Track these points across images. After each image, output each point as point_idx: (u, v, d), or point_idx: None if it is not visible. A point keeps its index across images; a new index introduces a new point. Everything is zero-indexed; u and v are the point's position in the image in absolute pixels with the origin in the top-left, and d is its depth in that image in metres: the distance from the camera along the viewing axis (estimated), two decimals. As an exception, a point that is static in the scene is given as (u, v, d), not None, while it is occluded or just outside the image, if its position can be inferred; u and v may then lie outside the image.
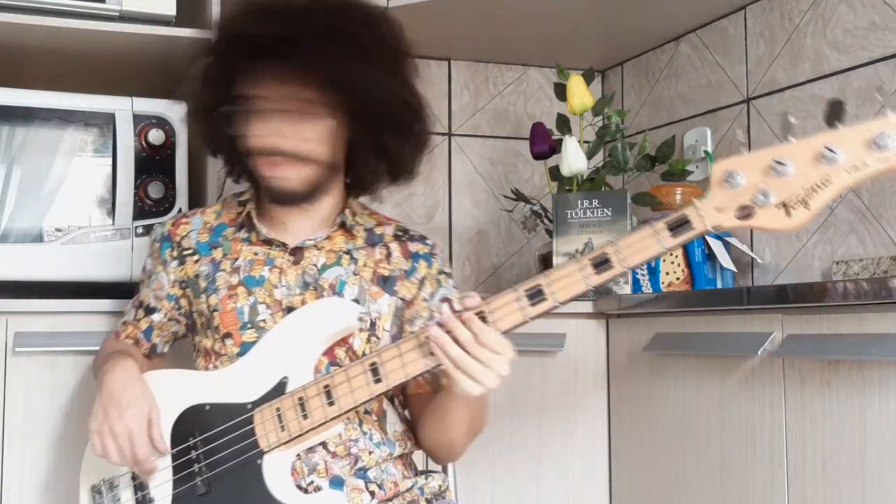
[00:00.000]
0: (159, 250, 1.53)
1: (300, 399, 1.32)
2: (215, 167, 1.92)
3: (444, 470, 1.61)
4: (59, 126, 1.85)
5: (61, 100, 1.87)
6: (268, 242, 1.48)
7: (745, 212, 1.15)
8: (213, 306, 1.46)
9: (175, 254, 1.52)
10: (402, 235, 1.53)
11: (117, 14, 1.91)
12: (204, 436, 1.36)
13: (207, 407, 1.37)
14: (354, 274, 1.46)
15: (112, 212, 1.87)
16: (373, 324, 1.45)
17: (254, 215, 1.49)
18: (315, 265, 1.46)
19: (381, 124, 1.43)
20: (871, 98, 1.93)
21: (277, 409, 1.32)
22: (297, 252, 1.47)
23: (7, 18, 1.84)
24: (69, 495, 1.66)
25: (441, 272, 1.52)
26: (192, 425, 1.37)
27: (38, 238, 1.82)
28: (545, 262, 2.25)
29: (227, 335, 1.44)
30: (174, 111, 1.89)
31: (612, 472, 2.04)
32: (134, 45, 1.96)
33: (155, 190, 1.90)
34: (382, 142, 1.45)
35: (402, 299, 1.48)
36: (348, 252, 1.48)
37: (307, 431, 1.31)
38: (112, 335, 1.61)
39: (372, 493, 1.39)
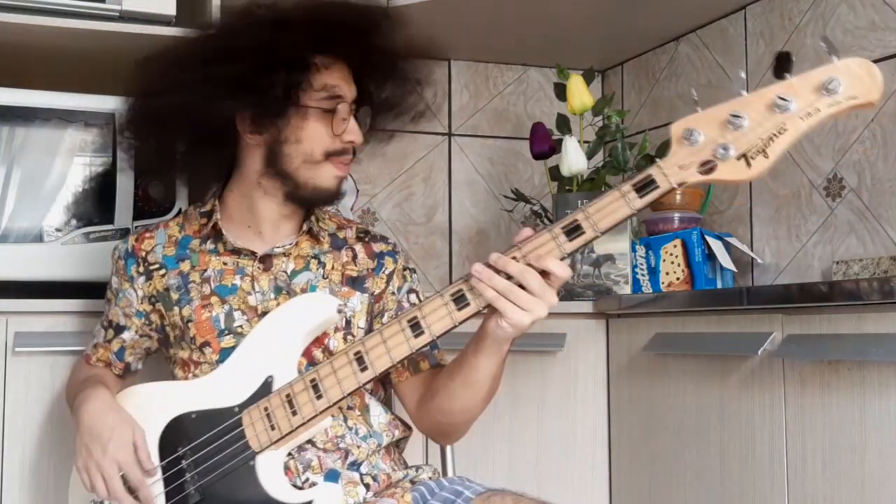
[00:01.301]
0: (124, 267, 1.53)
1: (287, 396, 1.32)
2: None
3: (444, 470, 1.62)
4: (59, 126, 1.85)
5: (61, 100, 1.86)
6: (236, 252, 1.48)
7: (707, 166, 1.17)
8: (187, 317, 1.46)
9: (141, 269, 1.51)
10: (365, 237, 1.56)
11: (117, 14, 1.90)
12: (192, 444, 1.35)
13: (193, 415, 1.37)
14: (324, 277, 1.48)
15: (112, 212, 1.87)
16: (348, 322, 1.46)
17: (221, 226, 1.49)
18: (285, 271, 1.47)
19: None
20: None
21: (266, 409, 1.33)
22: (266, 259, 1.47)
23: (7, 18, 1.84)
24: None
25: (405, 268, 1.56)
26: (180, 435, 1.36)
27: (38, 238, 1.82)
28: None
29: (205, 344, 1.44)
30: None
31: (612, 471, 2.04)
32: (134, 45, 1.96)
33: (155, 190, 1.89)
34: None
35: (370, 294, 1.50)
36: (315, 256, 1.49)
37: (298, 427, 1.31)
38: (83, 359, 1.60)
39: (367, 486, 1.39)
